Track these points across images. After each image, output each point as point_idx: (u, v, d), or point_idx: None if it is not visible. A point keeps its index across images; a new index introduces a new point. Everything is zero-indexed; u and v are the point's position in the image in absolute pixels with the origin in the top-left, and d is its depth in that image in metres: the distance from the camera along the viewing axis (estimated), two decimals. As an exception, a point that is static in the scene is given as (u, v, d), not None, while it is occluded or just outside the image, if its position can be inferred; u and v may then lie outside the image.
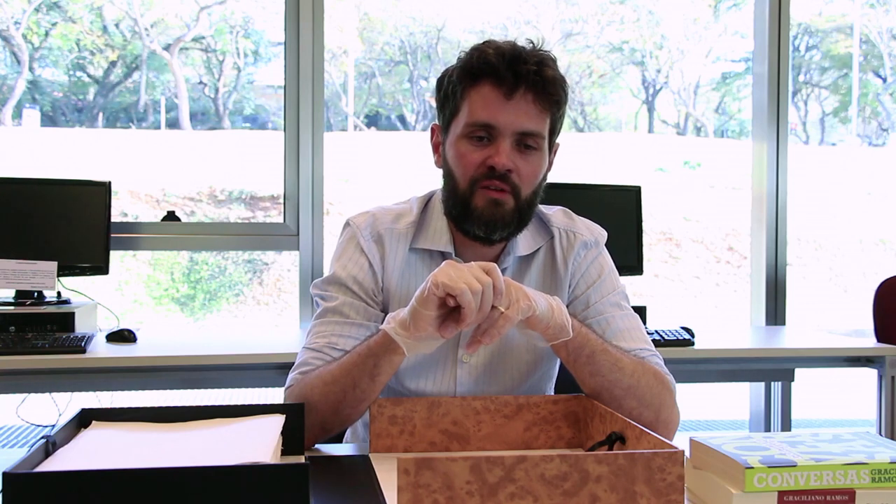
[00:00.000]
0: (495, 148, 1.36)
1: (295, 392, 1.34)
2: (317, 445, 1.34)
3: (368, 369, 1.27)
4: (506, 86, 1.34)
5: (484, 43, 1.39)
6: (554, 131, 1.42)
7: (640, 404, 1.34)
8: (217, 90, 11.96)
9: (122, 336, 2.48)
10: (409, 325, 1.21)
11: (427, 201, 1.50)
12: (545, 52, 1.38)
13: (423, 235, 1.47)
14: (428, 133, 1.49)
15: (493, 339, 1.20)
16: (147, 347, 2.42)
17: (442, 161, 1.45)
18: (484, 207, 1.37)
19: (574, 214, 1.55)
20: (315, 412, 1.28)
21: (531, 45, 1.38)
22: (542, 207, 1.51)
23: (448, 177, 1.42)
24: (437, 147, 1.47)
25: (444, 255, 1.46)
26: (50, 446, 1.03)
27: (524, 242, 1.47)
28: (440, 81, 1.44)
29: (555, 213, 1.53)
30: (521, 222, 1.41)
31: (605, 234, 1.55)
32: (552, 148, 1.45)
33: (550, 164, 1.46)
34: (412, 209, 1.49)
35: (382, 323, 1.30)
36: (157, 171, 10.51)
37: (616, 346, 1.37)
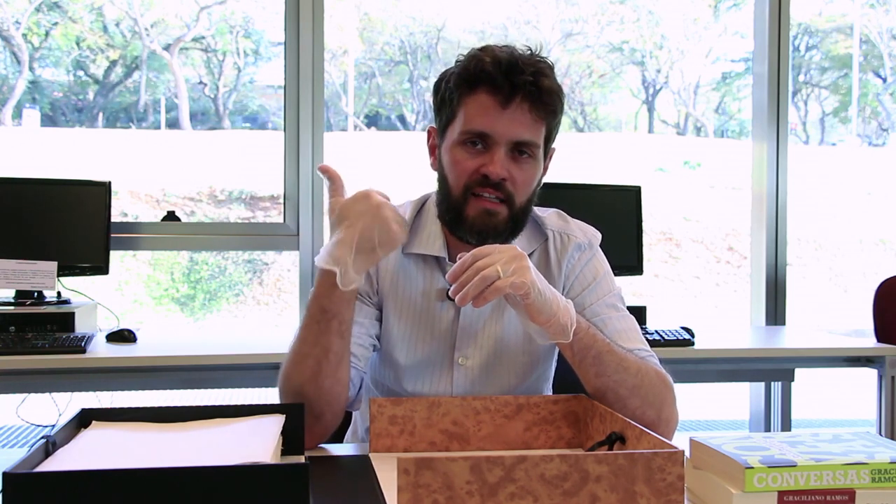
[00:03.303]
0: (490, 156, 1.35)
1: (279, 385, 1.34)
2: (316, 445, 1.34)
3: (326, 323, 1.27)
4: (502, 95, 1.34)
5: (482, 49, 1.38)
6: (549, 139, 1.42)
7: (644, 403, 1.34)
8: (217, 90, 11.97)
9: (122, 336, 2.48)
10: (331, 245, 1.24)
11: (421, 206, 1.50)
12: (543, 59, 1.38)
13: (417, 240, 1.46)
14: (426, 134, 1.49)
15: (481, 304, 1.20)
16: (147, 347, 2.42)
17: (437, 165, 1.45)
18: (476, 217, 1.37)
19: (568, 216, 1.55)
20: (298, 395, 1.28)
21: (529, 51, 1.38)
22: (537, 210, 1.51)
23: (442, 182, 1.42)
24: (433, 150, 1.47)
25: (437, 260, 1.46)
26: (50, 446, 1.03)
27: (519, 245, 1.46)
28: (437, 85, 1.44)
29: (549, 216, 1.52)
30: (514, 229, 1.41)
31: (598, 235, 1.54)
32: (547, 154, 1.44)
33: (546, 168, 1.46)
34: (405, 212, 1.49)
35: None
36: (157, 171, 10.52)
37: (620, 345, 1.37)
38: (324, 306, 1.27)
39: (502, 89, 1.34)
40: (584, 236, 1.52)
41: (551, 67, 1.38)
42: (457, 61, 1.40)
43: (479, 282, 1.19)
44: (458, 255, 1.24)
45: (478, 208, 1.37)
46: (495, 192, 1.36)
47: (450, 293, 1.23)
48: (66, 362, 2.25)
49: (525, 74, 1.34)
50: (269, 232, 3.14)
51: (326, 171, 1.29)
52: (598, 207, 2.79)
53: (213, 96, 12.05)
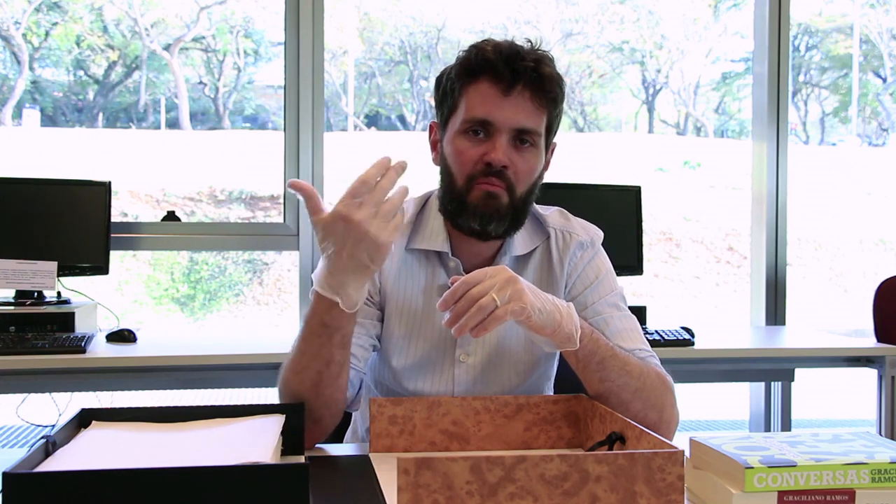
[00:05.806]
0: (492, 144, 1.36)
1: (279, 388, 1.34)
2: (317, 445, 1.34)
3: (328, 337, 1.24)
4: (503, 82, 1.35)
5: (483, 41, 1.39)
6: (551, 129, 1.42)
7: (646, 406, 1.34)
8: (217, 90, 11.98)
9: (122, 336, 2.48)
10: (325, 272, 1.19)
11: (424, 202, 1.50)
12: (543, 50, 1.39)
13: (419, 235, 1.46)
14: (427, 132, 1.49)
15: (481, 334, 1.19)
16: (147, 347, 2.42)
17: (440, 158, 1.45)
18: (479, 200, 1.37)
19: (570, 215, 1.55)
20: (298, 400, 1.26)
21: (529, 44, 1.39)
22: (539, 207, 1.51)
23: (445, 173, 1.42)
24: (434, 144, 1.47)
25: (440, 255, 1.46)
26: (50, 446, 1.03)
27: (521, 242, 1.47)
28: (439, 79, 1.44)
29: (551, 214, 1.53)
30: (515, 218, 1.40)
31: (601, 234, 1.54)
32: (549, 147, 1.45)
33: (547, 163, 1.46)
34: (408, 209, 1.49)
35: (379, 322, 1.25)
36: (157, 171, 10.52)
37: (622, 348, 1.37)
38: (325, 322, 1.23)
39: (504, 77, 1.34)
40: (587, 234, 1.52)
41: (552, 59, 1.39)
42: (458, 56, 1.41)
43: (476, 312, 1.17)
44: (451, 280, 1.23)
45: (480, 192, 1.36)
46: (497, 180, 1.36)
47: (445, 323, 1.20)
48: (66, 362, 2.25)
49: (526, 61, 1.34)
50: (269, 232, 3.14)
51: (298, 188, 1.16)
52: (598, 207, 2.79)
53: (213, 96, 12.06)
